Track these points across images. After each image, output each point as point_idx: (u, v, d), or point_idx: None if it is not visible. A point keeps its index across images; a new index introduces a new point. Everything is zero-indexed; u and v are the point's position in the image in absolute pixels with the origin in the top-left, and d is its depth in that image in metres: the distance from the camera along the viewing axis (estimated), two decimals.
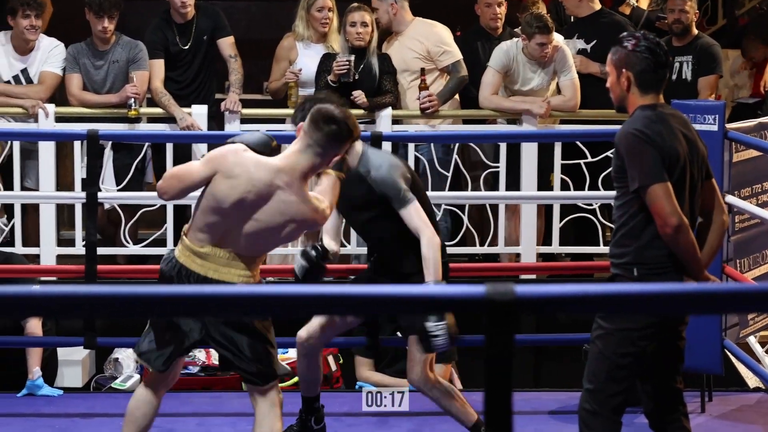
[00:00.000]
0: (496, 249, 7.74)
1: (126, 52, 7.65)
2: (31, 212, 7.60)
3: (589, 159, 7.64)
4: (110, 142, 7.44)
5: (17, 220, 7.39)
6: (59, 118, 7.54)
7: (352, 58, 7.48)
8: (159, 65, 7.72)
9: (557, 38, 7.73)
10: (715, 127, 5.95)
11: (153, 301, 2.43)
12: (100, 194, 6.34)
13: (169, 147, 7.44)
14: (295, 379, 6.27)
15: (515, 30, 8.00)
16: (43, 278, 7.09)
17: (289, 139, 4.95)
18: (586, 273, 7.41)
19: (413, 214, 5.18)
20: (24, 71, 7.65)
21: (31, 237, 7.53)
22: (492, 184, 7.77)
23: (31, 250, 7.43)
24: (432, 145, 7.66)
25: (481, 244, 7.74)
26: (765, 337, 7.00)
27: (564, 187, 7.62)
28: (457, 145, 7.67)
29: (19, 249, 7.32)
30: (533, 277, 7.50)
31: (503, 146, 7.60)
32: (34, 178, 7.57)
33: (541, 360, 7.82)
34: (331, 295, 2.48)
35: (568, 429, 5.12)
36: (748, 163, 6.29)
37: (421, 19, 7.95)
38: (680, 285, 4.17)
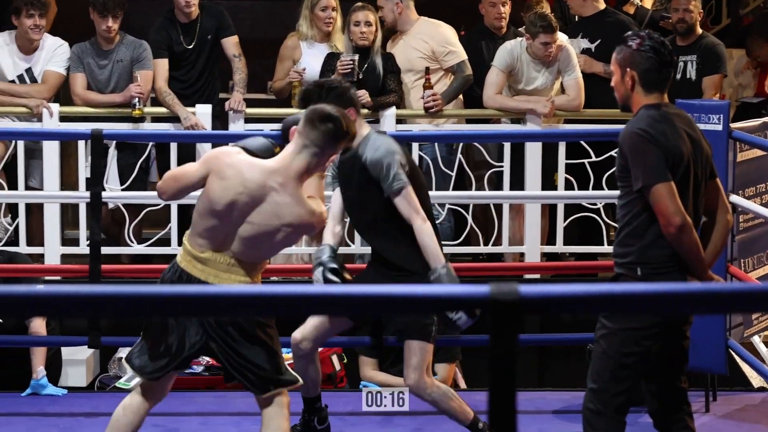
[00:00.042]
0: (500, 248, 7.74)
1: (130, 52, 7.66)
2: (35, 212, 7.60)
3: (593, 158, 7.63)
4: (114, 142, 7.45)
5: (21, 219, 7.39)
6: (63, 118, 7.54)
7: (356, 57, 7.48)
8: (163, 65, 7.72)
9: (561, 38, 7.73)
10: (719, 127, 5.95)
11: (157, 301, 2.43)
12: (104, 194, 6.35)
13: (173, 146, 7.45)
14: None
15: (519, 29, 8.00)
16: (47, 278, 7.09)
17: None
18: (590, 272, 7.41)
19: (404, 200, 5.14)
20: (28, 71, 7.65)
21: (36, 236, 7.54)
22: (496, 183, 7.77)
23: (36, 250, 7.43)
24: (436, 144, 7.66)
25: (485, 244, 7.74)
26: None
27: (568, 186, 7.62)
28: (460, 144, 7.67)
29: (23, 248, 7.32)
30: (537, 276, 7.49)
31: (507, 146, 7.60)
32: (38, 178, 7.57)
33: (545, 359, 7.81)
34: (335, 295, 2.48)
35: (572, 428, 5.11)
36: (752, 162, 6.29)
37: (426, 19, 7.95)
38: (684, 285, 4.17)
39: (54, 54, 7.65)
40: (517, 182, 7.58)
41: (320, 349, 6.01)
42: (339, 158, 5.28)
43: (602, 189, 7.45)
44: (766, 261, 6.47)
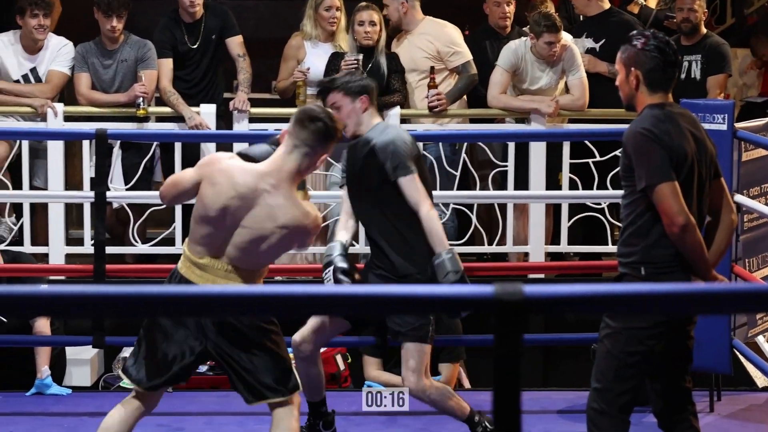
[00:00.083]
0: (504, 248, 7.73)
1: (134, 52, 7.66)
2: (39, 211, 7.61)
3: (598, 158, 7.62)
4: (119, 141, 7.45)
5: (26, 219, 7.40)
6: (68, 118, 7.55)
7: (360, 57, 7.48)
8: (167, 64, 7.72)
9: (566, 37, 7.72)
10: (724, 127, 5.94)
11: (161, 301, 2.43)
12: (108, 193, 6.35)
13: (178, 146, 7.45)
14: None
15: (524, 29, 8.00)
16: (51, 277, 7.10)
17: None
18: (594, 272, 7.41)
19: (412, 185, 5.15)
20: (33, 70, 7.66)
21: (40, 236, 7.54)
22: (500, 183, 7.76)
23: (40, 249, 7.44)
24: (440, 144, 7.65)
25: (490, 244, 7.74)
26: None
27: (572, 186, 7.61)
28: (465, 144, 7.67)
29: (27, 248, 7.33)
30: (542, 276, 7.49)
31: (512, 145, 7.60)
32: (42, 178, 7.58)
33: (550, 359, 7.81)
34: (335, 296, 2.48)
35: (576, 428, 5.11)
36: (757, 162, 6.29)
37: (431, 19, 7.94)
38: (688, 285, 4.17)
39: (58, 54, 7.66)
40: (522, 182, 7.58)
41: (324, 349, 6.01)
42: (348, 144, 5.30)
43: (606, 189, 7.44)
44: None
